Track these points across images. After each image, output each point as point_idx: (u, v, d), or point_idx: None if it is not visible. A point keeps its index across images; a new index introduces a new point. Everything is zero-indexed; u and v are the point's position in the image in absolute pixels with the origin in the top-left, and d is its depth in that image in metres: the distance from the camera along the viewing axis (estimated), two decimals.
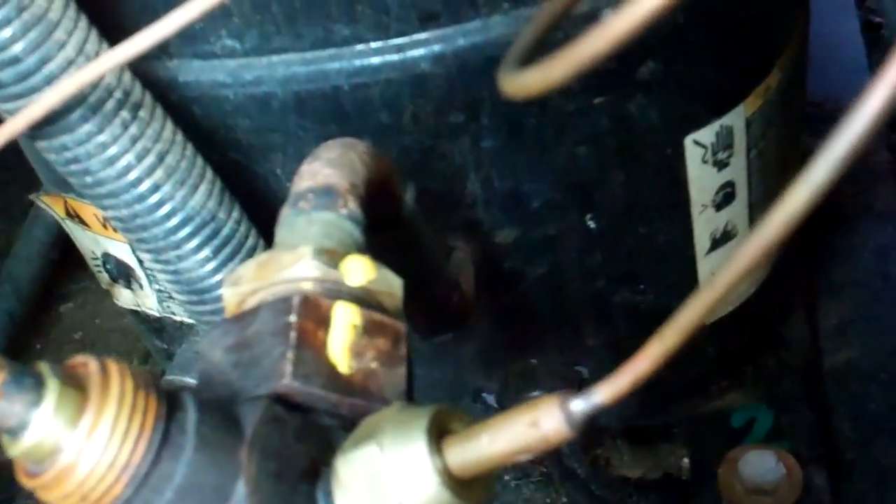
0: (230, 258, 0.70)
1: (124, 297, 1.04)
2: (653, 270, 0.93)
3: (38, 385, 0.41)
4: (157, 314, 1.02)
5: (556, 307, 0.96)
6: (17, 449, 0.41)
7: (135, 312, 1.06)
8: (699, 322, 0.39)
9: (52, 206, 0.98)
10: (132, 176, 0.65)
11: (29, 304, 1.38)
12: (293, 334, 0.49)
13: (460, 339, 0.95)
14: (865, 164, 1.39)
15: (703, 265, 0.95)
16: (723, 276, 0.37)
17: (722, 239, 0.94)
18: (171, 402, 0.44)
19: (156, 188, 0.66)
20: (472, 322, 0.87)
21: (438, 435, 0.45)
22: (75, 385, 0.42)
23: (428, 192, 0.78)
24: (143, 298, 1.02)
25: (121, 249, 0.97)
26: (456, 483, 0.44)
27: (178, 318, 1.01)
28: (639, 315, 0.97)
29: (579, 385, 1.03)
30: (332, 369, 0.50)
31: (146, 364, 1.39)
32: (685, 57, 0.80)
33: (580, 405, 0.42)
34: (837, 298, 1.29)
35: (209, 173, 0.70)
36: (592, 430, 1.13)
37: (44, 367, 0.42)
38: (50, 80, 0.60)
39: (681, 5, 0.49)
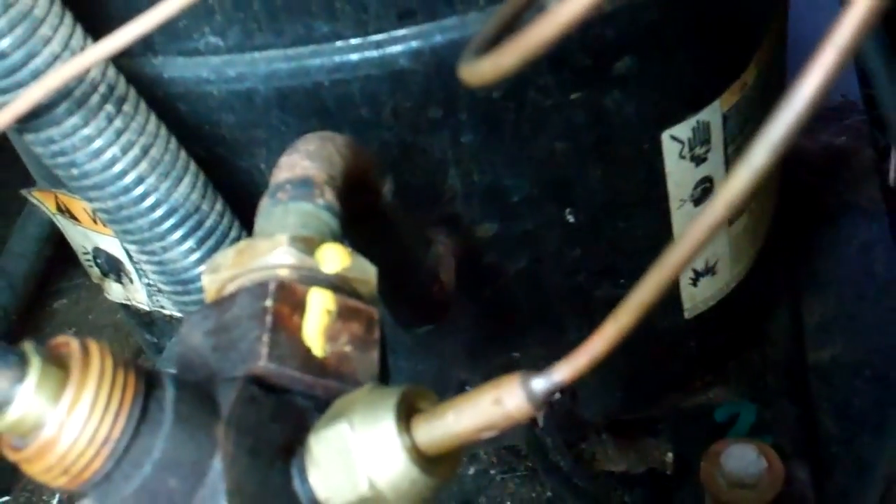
0: (213, 249, 0.72)
1: (115, 292, 1.06)
2: (632, 264, 0.95)
3: (22, 362, 0.43)
4: (147, 308, 1.04)
5: (538, 301, 0.98)
6: (1, 423, 0.43)
7: (125, 307, 1.08)
8: (650, 303, 0.41)
9: (43, 201, 1.00)
10: (117, 168, 0.66)
11: (23, 299, 1.40)
12: (269, 318, 0.51)
13: (444, 332, 0.96)
14: (850, 162, 1.41)
15: None
16: (671, 258, 0.39)
17: None
18: (150, 380, 0.46)
19: (140, 180, 0.68)
20: (453, 314, 0.88)
21: (407, 413, 0.46)
22: (57, 363, 0.44)
23: (408, 186, 0.80)
24: (133, 293, 1.03)
25: (111, 244, 0.98)
26: (424, 459, 0.46)
27: (167, 312, 1.02)
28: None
29: None
30: (306, 352, 0.51)
31: (138, 359, 1.40)
32: (660, 53, 0.82)
33: (541, 383, 0.44)
34: (822, 295, 1.30)
35: (192, 166, 0.72)
36: (577, 424, 1.15)
37: (27, 346, 0.43)
38: (36, 75, 0.61)
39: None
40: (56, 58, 0.62)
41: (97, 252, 1.02)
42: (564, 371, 0.43)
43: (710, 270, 1.00)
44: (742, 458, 1.08)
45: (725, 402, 1.19)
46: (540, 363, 1.02)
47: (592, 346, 0.43)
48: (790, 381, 1.20)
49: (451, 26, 0.75)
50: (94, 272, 1.06)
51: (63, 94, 0.63)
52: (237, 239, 0.74)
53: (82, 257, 1.06)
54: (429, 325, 0.85)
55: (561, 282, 0.96)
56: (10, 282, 1.37)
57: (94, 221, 0.96)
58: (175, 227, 0.70)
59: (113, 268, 1.02)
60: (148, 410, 0.45)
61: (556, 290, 0.96)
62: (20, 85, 0.62)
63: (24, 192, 1.01)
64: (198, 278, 0.72)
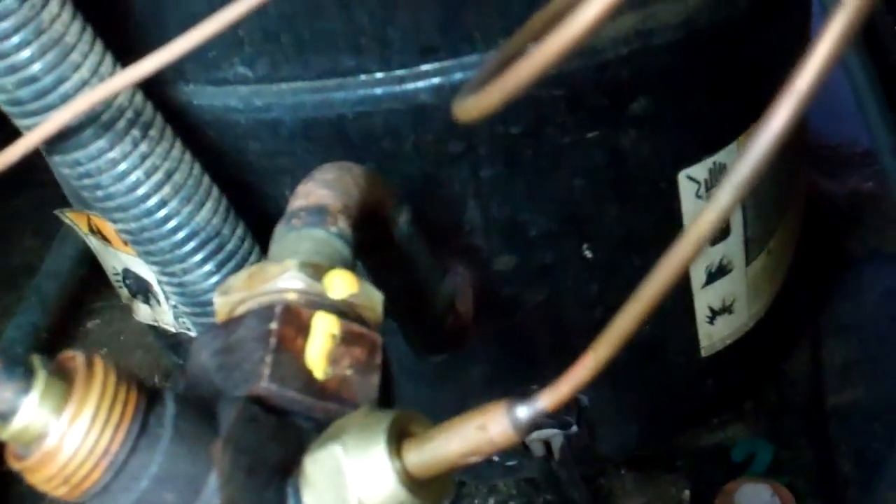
0: (233, 272, 0.74)
1: (143, 313, 1.08)
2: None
3: (28, 375, 0.45)
4: (174, 329, 1.06)
5: (555, 334, 0.99)
6: (6, 433, 0.45)
7: (153, 328, 1.10)
8: (628, 335, 0.42)
9: (75, 221, 1.03)
10: (141, 191, 0.69)
11: (55, 318, 1.42)
12: (273, 340, 0.53)
13: (464, 362, 0.98)
14: (876, 208, 1.41)
15: (700, 298, 0.98)
16: (648, 289, 0.40)
17: (717, 273, 0.97)
18: (151, 396, 0.47)
19: (163, 204, 0.70)
20: (472, 345, 0.90)
21: (398, 437, 0.48)
22: (62, 377, 0.46)
23: (428, 218, 0.82)
24: (161, 314, 1.06)
25: (140, 265, 1.01)
26: (413, 482, 0.47)
27: (192, 334, 1.04)
28: (635, 345, 0.99)
29: (578, 412, 1.06)
30: (308, 374, 0.53)
31: (167, 381, 1.43)
32: (676, 95, 0.83)
33: (525, 411, 0.45)
34: (843, 338, 1.30)
35: (215, 191, 0.74)
36: (594, 458, 1.16)
37: (34, 359, 0.45)
38: (65, 99, 0.64)
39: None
40: (85, 83, 0.65)
41: (126, 273, 1.04)
42: (548, 399, 0.44)
43: (726, 309, 1.01)
44: (756, 498, 1.09)
45: (743, 441, 1.19)
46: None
47: (574, 375, 0.44)
48: (808, 423, 1.21)
49: (472, 64, 0.77)
50: (124, 293, 1.08)
51: (90, 118, 0.65)
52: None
53: (112, 278, 1.09)
54: (443, 354, 0.87)
55: (578, 316, 0.97)
56: (43, 301, 1.40)
57: (125, 243, 0.99)
58: (196, 250, 0.72)
59: (141, 289, 1.05)
60: (148, 425, 0.47)
61: (574, 324, 0.98)
62: (49, 108, 0.64)
63: (57, 212, 1.04)
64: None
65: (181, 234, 0.72)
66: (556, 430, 1.05)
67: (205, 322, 0.76)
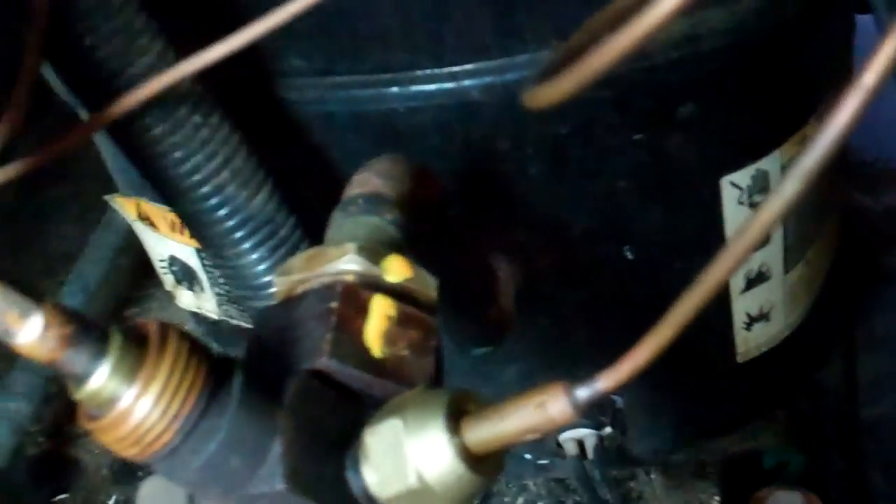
0: (283, 258, 0.75)
1: (186, 299, 1.10)
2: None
3: (103, 339, 0.47)
4: (216, 317, 1.08)
5: (593, 335, 1.00)
6: (80, 393, 0.47)
7: (195, 315, 1.12)
8: (690, 317, 0.44)
9: (124, 207, 1.05)
10: (199, 176, 0.71)
11: (96, 304, 1.45)
12: (334, 318, 0.55)
13: (501, 359, 0.99)
14: None
15: (738, 303, 0.99)
16: (714, 273, 0.41)
17: (756, 279, 0.98)
18: (221, 365, 0.49)
19: (220, 189, 0.72)
20: (510, 342, 0.91)
21: (456, 413, 0.50)
22: (136, 343, 0.47)
23: (474, 213, 0.84)
24: (204, 301, 1.08)
25: (187, 253, 1.03)
26: (470, 457, 0.49)
27: (234, 322, 1.06)
28: (672, 348, 1.00)
29: (613, 413, 1.07)
30: (366, 352, 0.55)
31: None
32: (723, 101, 0.84)
33: (584, 391, 0.47)
34: (877, 352, 1.31)
35: (270, 179, 0.76)
36: (626, 459, 1.17)
37: (111, 325, 0.47)
38: (132, 82, 0.66)
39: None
40: (151, 67, 0.67)
41: (173, 260, 1.07)
42: (607, 380, 0.46)
43: (763, 317, 1.02)
44: None
45: (774, 450, 1.20)
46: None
47: (635, 356, 0.46)
48: (840, 434, 1.21)
49: (523, 63, 0.78)
50: (168, 279, 1.10)
51: (155, 102, 0.67)
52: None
53: (157, 265, 1.11)
54: (483, 348, 0.88)
55: (617, 317, 0.98)
56: (84, 285, 1.42)
57: (173, 230, 1.01)
58: (249, 235, 0.74)
59: (186, 276, 1.07)
60: (217, 393, 0.48)
61: (612, 325, 0.99)
62: (116, 91, 0.66)
63: (107, 197, 1.06)
64: (267, 286, 0.76)
65: (235, 220, 0.74)
66: (590, 430, 1.06)
67: (253, 306, 0.78)
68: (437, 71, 0.79)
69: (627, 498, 1.25)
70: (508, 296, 0.88)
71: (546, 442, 1.08)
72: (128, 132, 0.69)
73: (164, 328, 0.48)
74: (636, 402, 1.06)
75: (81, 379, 0.47)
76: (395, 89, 0.80)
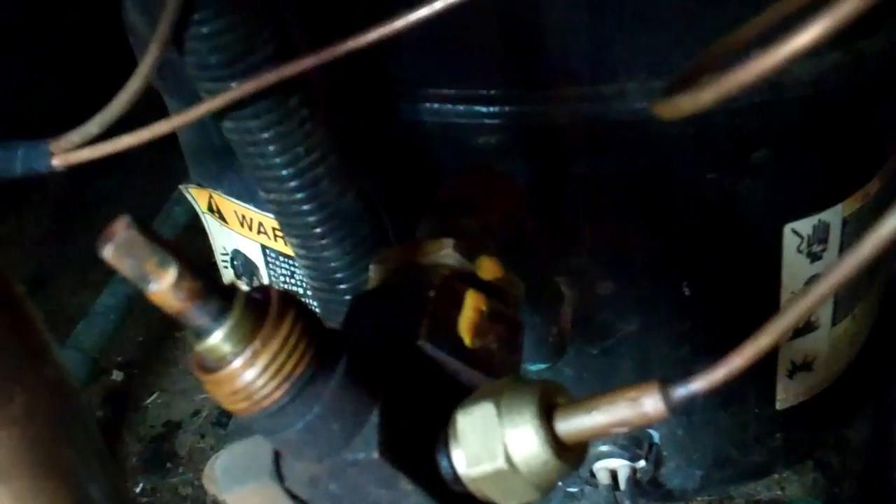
0: (364, 257, 0.78)
1: None
2: (736, 344, 0.99)
3: (228, 298, 0.49)
4: None
5: (640, 366, 1.03)
6: (199, 346, 0.49)
7: None
8: (788, 330, 0.46)
9: (196, 197, 1.08)
10: (298, 166, 0.74)
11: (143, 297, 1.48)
12: (430, 306, 0.58)
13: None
14: None
15: (784, 350, 1.01)
16: (813, 292, 0.44)
17: (804, 329, 1.01)
18: (329, 336, 0.52)
19: (315, 181, 0.75)
20: (559, 365, 0.94)
21: (547, 402, 0.52)
22: (257, 306, 0.50)
23: (546, 232, 0.86)
24: None
25: (251, 247, 1.06)
26: (557, 444, 0.51)
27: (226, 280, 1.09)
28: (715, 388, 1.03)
29: (649, 447, 1.09)
30: (458, 341, 0.57)
31: None
32: (796, 150, 0.87)
33: (679, 390, 0.49)
34: None
35: (360, 179, 0.79)
36: (658, 492, 1.18)
37: (236, 286, 0.50)
38: (251, 69, 0.69)
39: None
40: (269, 59, 0.70)
41: (236, 254, 1.10)
42: (703, 381, 0.48)
43: (807, 366, 1.04)
44: None
45: (800, 501, 1.22)
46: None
47: (731, 362, 0.48)
48: (866, 493, 1.23)
49: (611, 93, 0.81)
50: (228, 273, 1.13)
51: (269, 90, 0.70)
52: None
53: (219, 257, 1.14)
54: (540, 364, 0.91)
55: (666, 351, 1.01)
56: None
57: (241, 225, 1.04)
58: (336, 228, 0.77)
59: (247, 271, 1.10)
60: (325, 361, 0.51)
61: (660, 358, 1.01)
62: (233, 78, 0.69)
63: (182, 187, 1.09)
64: (346, 279, 0.78)
65: (324, 213, 0.76)
66: (624, 461, 1.08)
67: (330, 298, 0.81)
68: (526, 93, 0.82)
69: None
70: (567, 318, 0.91)
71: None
72: (238, 117, 0.72)
73: (285, 295, 0.51)
74: (673, 440, 1.09)
75: (202, 333, 0.50)
76: (488, 108, 0.83)
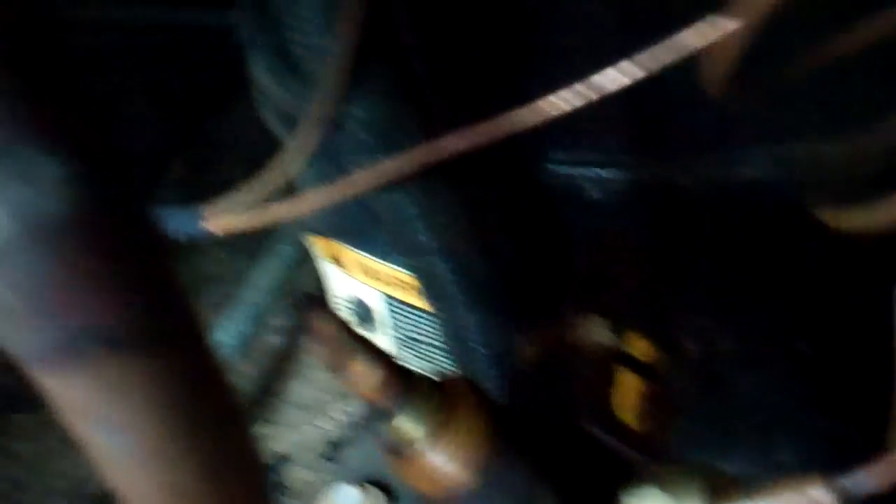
0: (501, 325, 0.81)
1: None
2: (849, 407, 1.01)
3: (411, 386, 0.53)
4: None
5: (754, 422, 1.04)
6: (384, 426, 0.53)
7: None
8: None
9: (317, 245, 1.11)
10: (442, 240, 0.77)
11: (259, 329, 1.52)
12: (590, 388, 0.60)
13: None
14: None
15: None
16: None
17: None
18: (502, 415, 0.55)
19: (456, 253, 0.78)
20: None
21: (712, 490, 0.54)
22: (439, 392, 0.53)
23: (669, 293, 0.89)
24: (377, 340, 1.14)
25: (372, 296, 1.09)
26: None
27: (408, 366, 1.12)
28: (830, 444, 1.03)
29: None
30: (618, 421, 0.60)
31: None
32: None
33: (849, 482, 0.51)
34: None
35: (504, 250, 0.82)
36: None
37: (424, 378, 0.53)
38: (402, 148, 0.72)
39: None
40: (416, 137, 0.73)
41: (356, 301, 1.13)
42: (876, 477, 0.50)
43: None
44: None
45: None
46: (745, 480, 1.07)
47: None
48: None
49: (735, 159, 0.83)
50: (350, 318, 1.16)
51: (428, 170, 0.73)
52: None
53: (340, 301, 1.17)
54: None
55: (780, 410, 1.01)
56: (252, 312, 1.49)
57: (366, 274, 1.07)
58: (473, 298, 0.80)
59: (367, 316, 1.13)
60: (500, 443, 0.54)
61: (775, 416, 1.02)
62: (386, 153, 0.73)
63: (304, 236, 1.13)
64: (480, 345, 0.81)
65: (463, 282, 0.79)
66: None
67: (456, 358, 0.84)
68: (653, 159, 0.85)
69: None
70: (689, 374, 0.93)
71: None
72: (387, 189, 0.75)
73: (463, 383, 0.54)
74: None
75: (386, 416, 0.53)
76: (615, 174, 0.86)
